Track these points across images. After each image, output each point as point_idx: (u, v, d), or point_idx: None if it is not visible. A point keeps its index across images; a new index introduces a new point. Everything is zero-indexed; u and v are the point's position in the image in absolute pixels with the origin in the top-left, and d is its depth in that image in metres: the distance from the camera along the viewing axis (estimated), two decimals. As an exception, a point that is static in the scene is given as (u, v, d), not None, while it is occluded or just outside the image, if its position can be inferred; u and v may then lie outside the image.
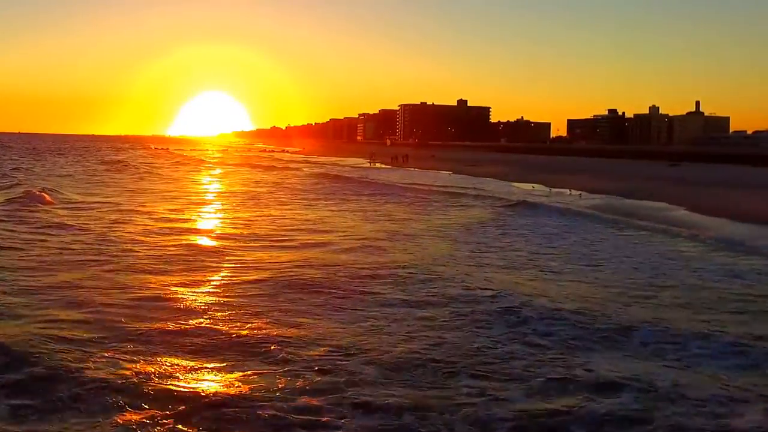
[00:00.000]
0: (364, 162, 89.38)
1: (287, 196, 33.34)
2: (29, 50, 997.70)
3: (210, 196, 34.18)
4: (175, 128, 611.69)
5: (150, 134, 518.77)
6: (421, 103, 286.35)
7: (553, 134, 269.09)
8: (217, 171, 61.23)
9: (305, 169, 62.09)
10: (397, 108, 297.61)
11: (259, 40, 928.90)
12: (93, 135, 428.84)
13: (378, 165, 78.94)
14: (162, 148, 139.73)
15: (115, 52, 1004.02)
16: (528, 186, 42.29)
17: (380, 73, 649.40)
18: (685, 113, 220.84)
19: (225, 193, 36.57)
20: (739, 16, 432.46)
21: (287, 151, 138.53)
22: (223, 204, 29.61)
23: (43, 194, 27.81)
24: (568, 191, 36.90)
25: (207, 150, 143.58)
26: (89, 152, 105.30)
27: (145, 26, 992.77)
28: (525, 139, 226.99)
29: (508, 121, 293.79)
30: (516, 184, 44.29)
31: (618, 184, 40.18)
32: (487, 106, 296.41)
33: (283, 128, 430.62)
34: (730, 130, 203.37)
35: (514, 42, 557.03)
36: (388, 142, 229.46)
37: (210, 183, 45.29)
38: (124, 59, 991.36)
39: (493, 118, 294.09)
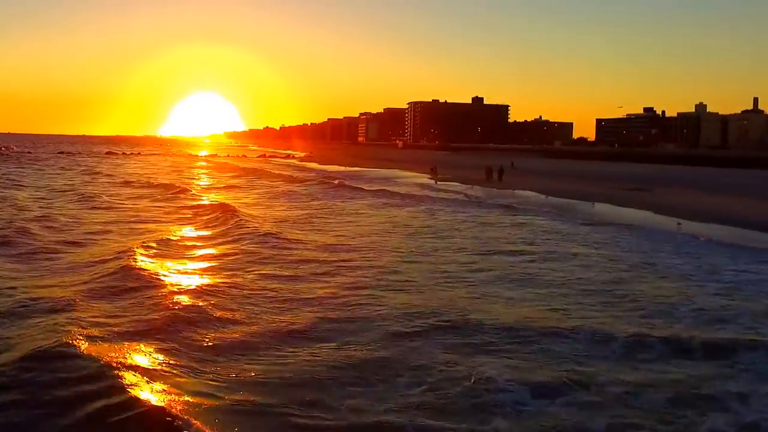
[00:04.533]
0: (414, 174, 61.92)
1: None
2: (20, 51, 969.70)
3: None
4: (167, 129, 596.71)
5: (142, 135, 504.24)
6: (433, 100, 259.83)
7: (575, 135, 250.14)
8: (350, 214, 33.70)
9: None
10: (406, 106, 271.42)
11: (251, 39, 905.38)
12: (85, 135, 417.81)
13: (443, 181, 51.59)
14: (192, 154, 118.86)
15: (106, 53, 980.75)
16: None
17: (381, 70, 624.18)
18: (740, 111, 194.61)
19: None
20: None
21: (294, 157, 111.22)
22: None
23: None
24: None
25: (214, 155, 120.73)
26: (95, 159, 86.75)
27: (136, 27, 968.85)
28: (545, 140, 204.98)
29: (525, 120, 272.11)
30: None
31: None
32: (506, 104, 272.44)
33: (277, 128, 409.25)
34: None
35: (529, 37, 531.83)
36: (400, 144, 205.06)
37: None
38: (116, 60, 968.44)
39: (510, 118, 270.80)
